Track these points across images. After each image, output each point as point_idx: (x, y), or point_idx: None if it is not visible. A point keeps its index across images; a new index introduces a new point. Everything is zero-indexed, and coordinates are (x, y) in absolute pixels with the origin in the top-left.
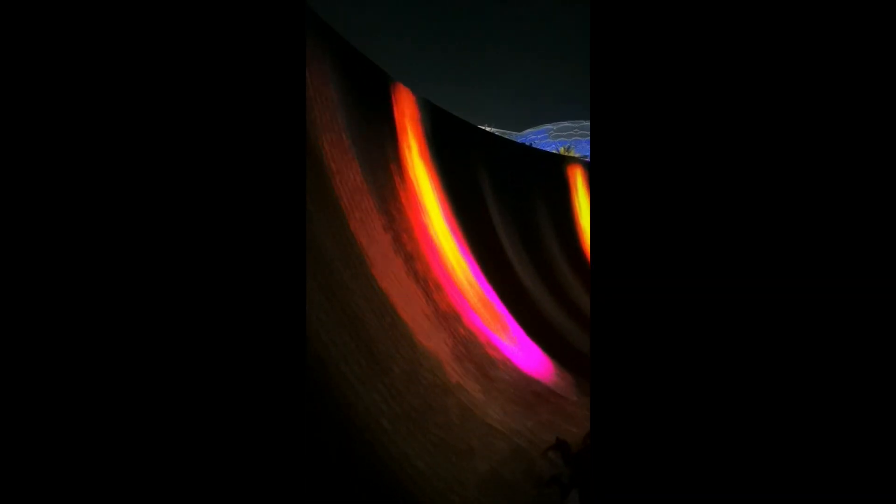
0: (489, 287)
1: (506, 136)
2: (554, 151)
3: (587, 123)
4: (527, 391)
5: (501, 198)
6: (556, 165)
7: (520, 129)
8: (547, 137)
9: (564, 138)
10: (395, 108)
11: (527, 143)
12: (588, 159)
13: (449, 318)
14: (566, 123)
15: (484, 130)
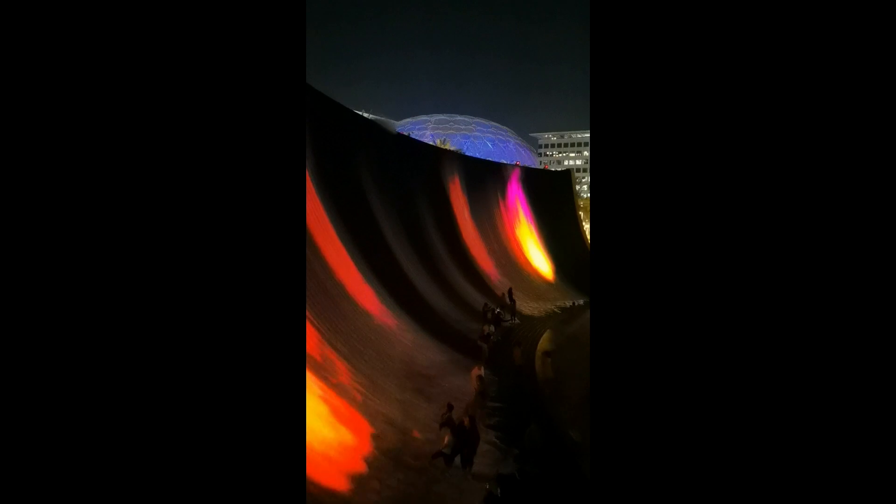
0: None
1: (384, 124)
2: (431, 143)
3: (460, 118)
4: (411, 370)
5: (382, 188)
6: (435, 158)
7: (398, 118)
8: (425, 129)
9: (441, 131)
10: None
11: (405, 133)
12: (461, 152)
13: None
14: (442, 117)
15: (365, 118)
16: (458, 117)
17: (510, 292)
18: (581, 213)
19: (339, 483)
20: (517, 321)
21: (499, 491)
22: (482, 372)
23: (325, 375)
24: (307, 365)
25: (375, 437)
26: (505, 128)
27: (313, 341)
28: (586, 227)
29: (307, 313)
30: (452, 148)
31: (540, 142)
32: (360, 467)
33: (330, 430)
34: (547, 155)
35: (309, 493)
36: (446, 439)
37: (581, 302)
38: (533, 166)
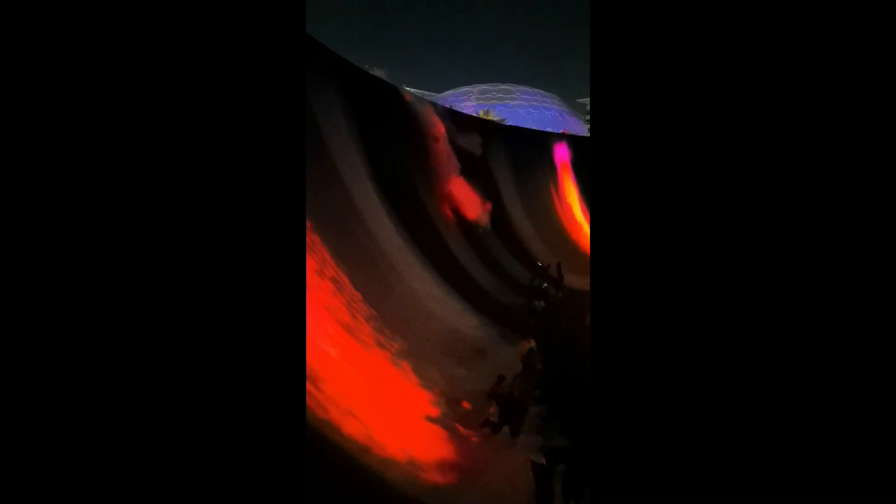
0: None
1: (427, 98)
2: (474, 114)
3: (503, 86)
4: (458, 343)
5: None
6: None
7: (440, 91)
8: (467, 99)
9: (483, 101)
10: None
11: (447, 105)
12: (504, 121)
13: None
14: (484, 86)
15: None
16: (502, 86)
17: (559, 266)
18: None
19: (389, 450)
20: (562, 295)
21: (544, 461)
22: (533, 345)
23: (375, 347)
24: (358, 338)
25: (426, 407)
26: (551, 95)
27: (363, 313)
28: None
29: (347, 281)
30: (496, 118)
31: (588, 108)
32: (412, 436)
33: (381, 399)
34: None
35: (360, 458)
36: (493, 409)
37: None
38: (581, 134)
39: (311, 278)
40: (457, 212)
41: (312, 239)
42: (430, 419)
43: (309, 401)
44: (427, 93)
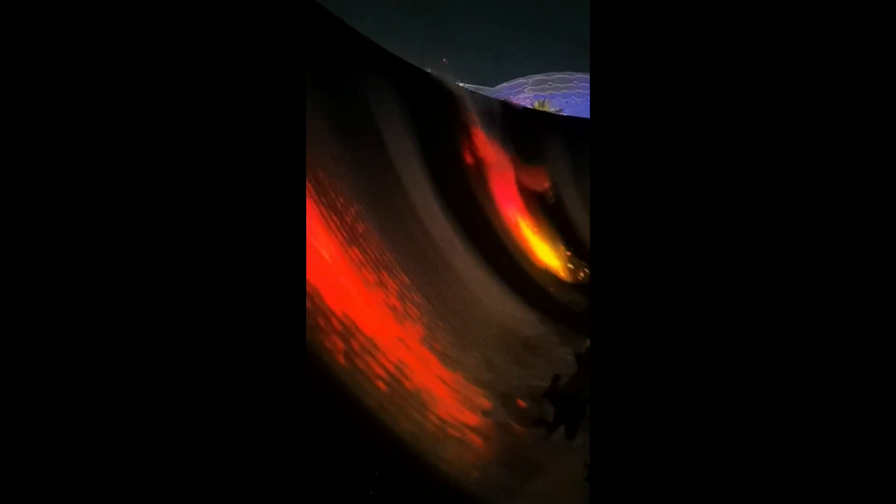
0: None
1: (480, 92)
2: (529, 106)
3: (559, 75)
4: (512, 340)
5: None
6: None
7: (493, 85)
8: (521, 91)
9: (539, 92)
10: None
11: (501, 98)
12: (561, 112)
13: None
14: (539, 76)
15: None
16: (557, 75)
17: None
18: None
19: (441, 443)
20: None
21: None
22: (590, 344)
23: (431, 344)
24: (416, 337)
25: (478, 401)
26: None
27: (417, 310)
28: None
29: (405, 278)
30: (552, 109)
31: None
32: (463, 431)
33: (437, 396)
34: None
35: (412, 447)
36: (550, 409)
37: None
38: None
39: (364, 273)
40: (512, 205)
41: (367, 230)
42: (484, 413)
43: (369, 396)
44: (480, 87)
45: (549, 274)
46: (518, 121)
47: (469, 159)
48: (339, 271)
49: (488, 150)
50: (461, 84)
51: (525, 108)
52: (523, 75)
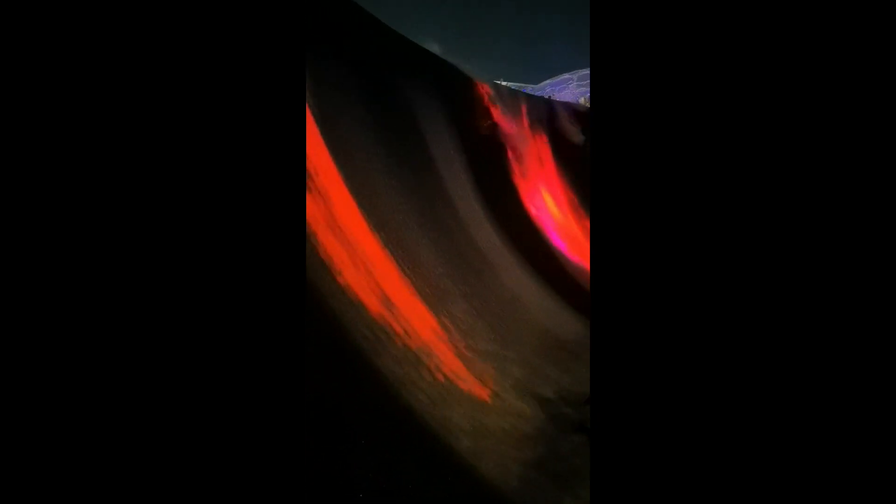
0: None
1: (522, 91)
2: (575, 102)
3: None
4: (551, 342)
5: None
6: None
7: (536, 82)
8: (566, 87)
9: (585, 88)
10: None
11: (545, 96)
12: None
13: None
14: (585, 71)
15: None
16: None
17: None
18: None
19: (480, 443)
20: None
21: None
22: None
23: (470, 344)
24: (450, 339)
25: (520, 407)
26: None
27: (460, 311)
28: None
29: (449, 281)
30: None
31: None
32: (501, 431)
33: (479, 400)
34: None
35: (454, 446)
36: (588, 417)
37: None
38: None
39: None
40: (553, 205)
41: (403, 229)
42: (522, 417)
43: (411, 395)
44: (523, 85)
45: (587, 272)
46: (562, 118)
47: (509, 155)
48: (390, 279)
49: (527, 145)
50: (502, 82)
51: (566, 103)
52: (569, 70)
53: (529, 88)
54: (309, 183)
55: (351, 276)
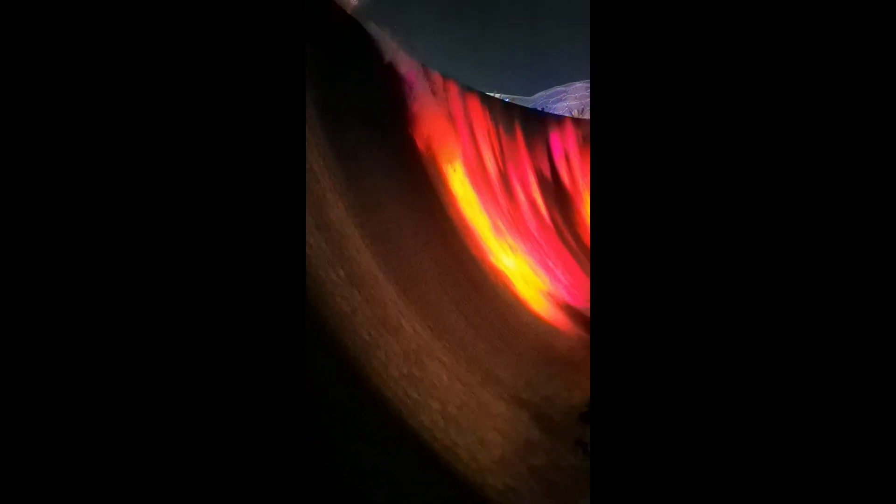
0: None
1: (516, 103)
2: (567, 115)
3: None
4: (550, 356)
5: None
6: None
7: (529, 94)
8: (560, 100)
9: (577, 101)
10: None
11: (538, 108)
12: None
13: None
14: (578, 84)
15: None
16: None
17: None
18: None
19: (472, 452)
20: None
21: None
22: None
23: (468, 359)
24: (452, 352)
25: (518, 420)
26: None
27: (459, 326)
28: None
29: (445, 293)
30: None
31: None
32: (495, 443)
33: (480, 410)
34: None
35: (452, 469)
36: (587, 430)
37: None
38: None
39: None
40: (543, 208)
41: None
42: (518, 428)
43: (399, 399)
44: (517, 97)
45: (583, 284)
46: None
47: (500, 167)
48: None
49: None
50: (497, 95)
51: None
52: (562, 83)
53: (522, 100)
54: None
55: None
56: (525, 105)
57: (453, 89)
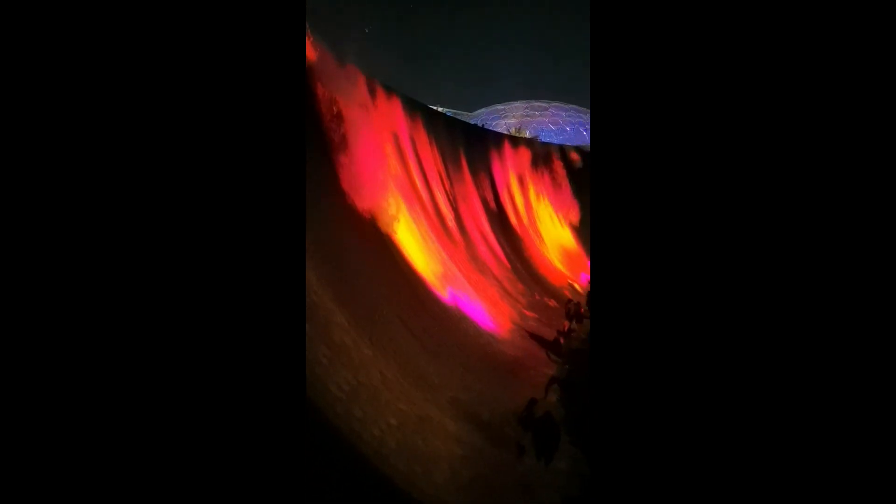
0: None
1: (458, 118)
2: (506, 133)
3: (538, 103)
4: (492, 364)
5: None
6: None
7: (471, 110)
8: (499, 118)
9: (514, 119)
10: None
11: (478, 124)
12: (538, 139)
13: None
14: (517, 103)
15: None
16: (536, 103)
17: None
18: None
19: (413, 465)
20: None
21: (577, 490)
22: (569, 367)
23: (411, 369)
24: (394, 359)
25: (448, 421)
26: (586, 109)
27: (401, 335)
28: None
29: (391, 306)
30: (528, 135)
31: None
32: (441, 456)
33: (419, 417)
34: None
35: (396, 474)
36: (523, 433)
37: None
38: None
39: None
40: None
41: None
42: (452, 435)
43: (335, 401)
44: (458, 112)
45: (526, 291)
46: (492, 144)
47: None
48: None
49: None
50: (440, 109)
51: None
52: (503, 102)
53: (464, 116)
54: None
55: None
56: (467, 121)
57: (398, 105)
